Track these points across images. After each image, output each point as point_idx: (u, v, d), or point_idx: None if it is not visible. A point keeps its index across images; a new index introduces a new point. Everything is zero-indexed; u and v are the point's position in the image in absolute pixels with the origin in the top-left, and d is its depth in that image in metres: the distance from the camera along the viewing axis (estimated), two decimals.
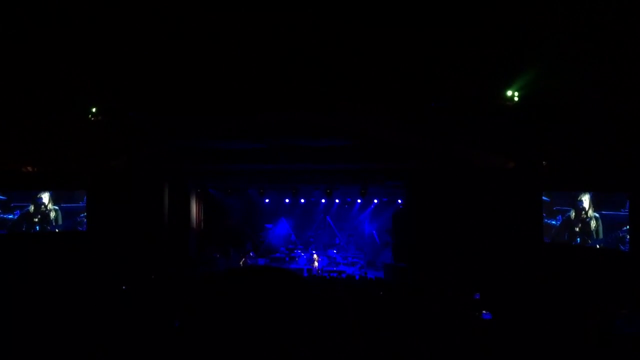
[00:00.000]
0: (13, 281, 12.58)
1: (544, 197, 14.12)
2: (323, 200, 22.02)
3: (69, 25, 8.94)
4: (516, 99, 11.56)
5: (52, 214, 15.83)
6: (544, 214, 14.04)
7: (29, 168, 15.47)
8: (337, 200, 22.08)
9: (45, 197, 15.74)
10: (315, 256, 20.28)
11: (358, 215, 22.73)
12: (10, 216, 15.44)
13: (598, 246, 12.73)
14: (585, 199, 12.99)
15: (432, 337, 7.29)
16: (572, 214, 13.31)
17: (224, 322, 2.00)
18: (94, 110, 12.97)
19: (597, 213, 12.74)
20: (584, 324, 8.53)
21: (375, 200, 21.35)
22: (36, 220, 15.67)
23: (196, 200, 20.37)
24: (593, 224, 12.81)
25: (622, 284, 11.22)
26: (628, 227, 11.99)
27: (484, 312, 9.67)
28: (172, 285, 12.47)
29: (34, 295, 10.58)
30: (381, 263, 19.65)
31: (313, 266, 19.55)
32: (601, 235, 12.65)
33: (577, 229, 13.20)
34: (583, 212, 13.05)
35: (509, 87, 11.54)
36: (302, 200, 21.96)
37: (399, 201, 19.80)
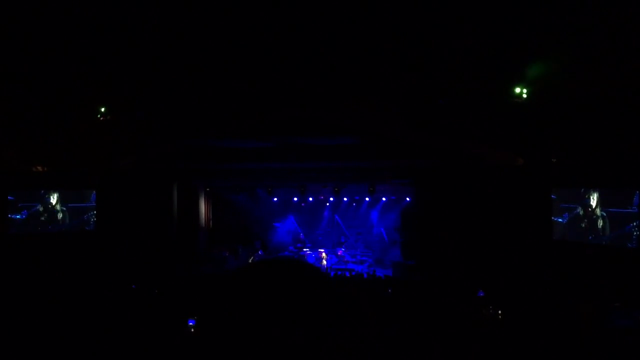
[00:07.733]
0: (21, 281, 12.65)
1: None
2: (331, 199, 22.00)
3: (75, 24, 8.98)
4: (525, 95, 11.50)
5: (60, 214, 15.87)
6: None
7: (39, 167, 15.53)
8: (345, 199, 22.06)
9: (54, 196, 15.78)
10: (323, 254, 20.27)
11: (366, 214, 22.71)
12: (17, 216, 15.48)
13: (604, 243, 12.70)
14: (593, 197, 12.94)
15: (439, 333, 7.29)
16: (580, 212, 13.26)
17: (235, 320, 1.99)
18: (102, 109, 12.99)
19: (605, 211, 12.69)
20: (588, 321, 8.53)
21: (384, 199, 21.33)
22: (43, 219, 15.71)
23: (205, 199, 20.42)
24: (600, 222, 12.76)
25: (630, 280, 11.20)
26: (637, 222, 11.94)
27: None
28: (181, 285, 12.52)
29: (43, 295, 10.64)
30: (390, 261, 19.63)
31: (321, 264, 19.54)
32: (608, 233, 12.61)
33: (584, 227, 13.15)
34: (590, 210, 13.00)
35: (517, 84, 11.48)
36: (310, 199, 21.95)
37: (407, 199, 19.77)
